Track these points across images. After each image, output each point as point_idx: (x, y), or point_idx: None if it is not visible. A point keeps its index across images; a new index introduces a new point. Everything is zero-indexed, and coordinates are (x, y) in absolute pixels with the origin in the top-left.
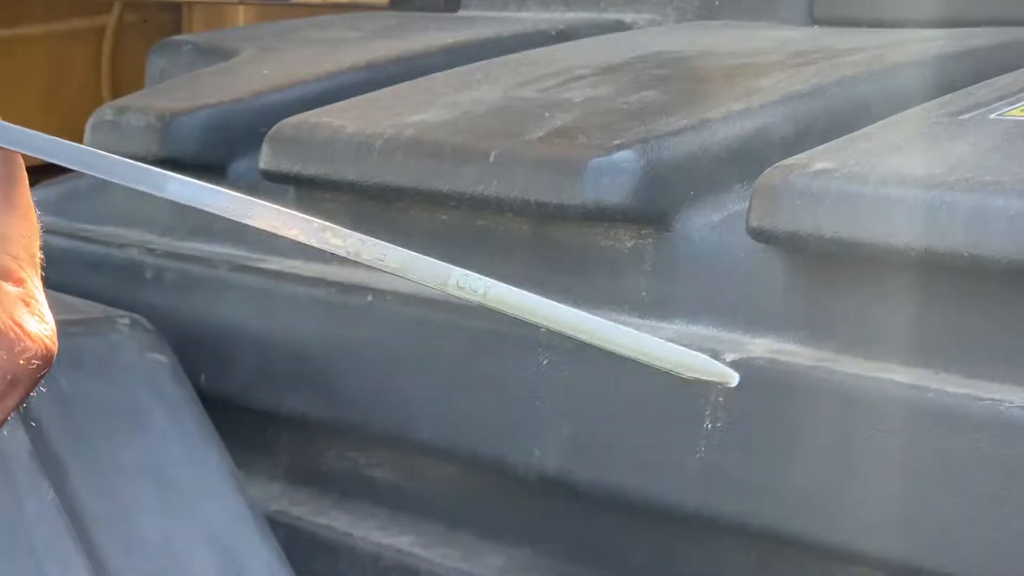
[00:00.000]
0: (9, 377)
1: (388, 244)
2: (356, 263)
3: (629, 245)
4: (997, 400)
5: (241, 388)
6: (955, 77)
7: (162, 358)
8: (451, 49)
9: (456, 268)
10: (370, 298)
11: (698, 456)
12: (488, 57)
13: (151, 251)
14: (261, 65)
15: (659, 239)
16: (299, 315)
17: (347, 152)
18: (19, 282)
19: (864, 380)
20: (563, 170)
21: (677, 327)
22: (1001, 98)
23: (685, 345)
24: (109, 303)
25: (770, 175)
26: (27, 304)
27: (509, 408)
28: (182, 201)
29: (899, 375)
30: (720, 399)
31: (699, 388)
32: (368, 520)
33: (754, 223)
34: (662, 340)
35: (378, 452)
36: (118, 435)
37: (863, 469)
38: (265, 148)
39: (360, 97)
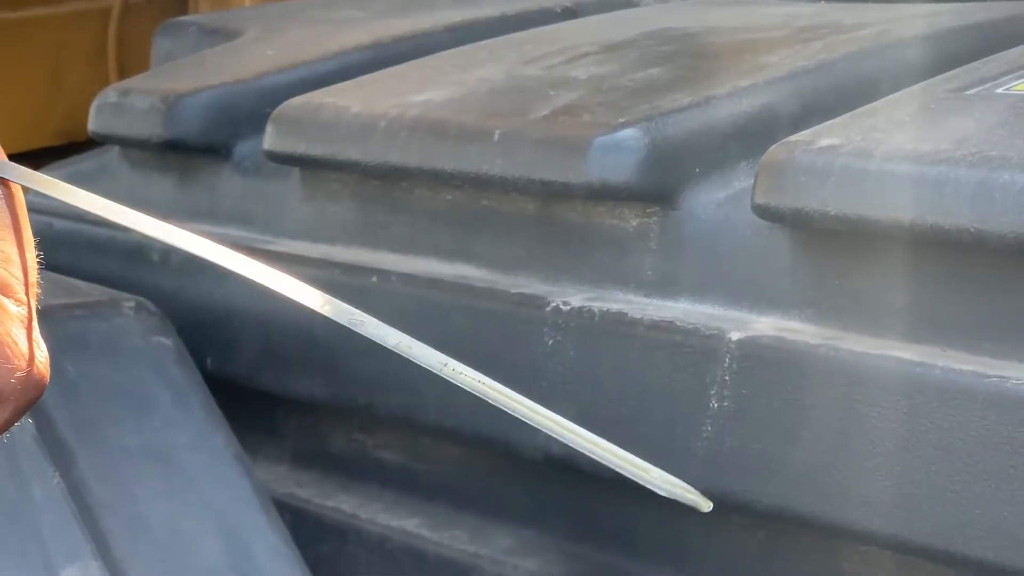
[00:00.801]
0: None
1: (390, 328)
2: (361, 243)
3: (634, 224)
4: (1004, 377)
5: (247, 371)
6: (961, 51)
7: (168, 341)
8: (456, 28)
9: (451, 360)
10: (375, 279)
11: (704, 435)
12: (493, 35)
13: None
14: (266, 45)
15: (664, 217)
16: None
17: (351, 132)
18: (20, 303)
19: (870, 358)
20: (568, 149)
21: (683, 305)
22: (1007, 72)
23: (692, 324)
24: (114, 286)
25: (775, 152)
26: (26, 327)
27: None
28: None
29: (905, 352)
30: (726, 378)
31: (705, 367)
32: (375, 502)
33: (759, 200)
34: (643, 461)
35: (384, 434)
36: (124, 419)
37: (869, 447)
38: (269, 129)
39: (365, 77)
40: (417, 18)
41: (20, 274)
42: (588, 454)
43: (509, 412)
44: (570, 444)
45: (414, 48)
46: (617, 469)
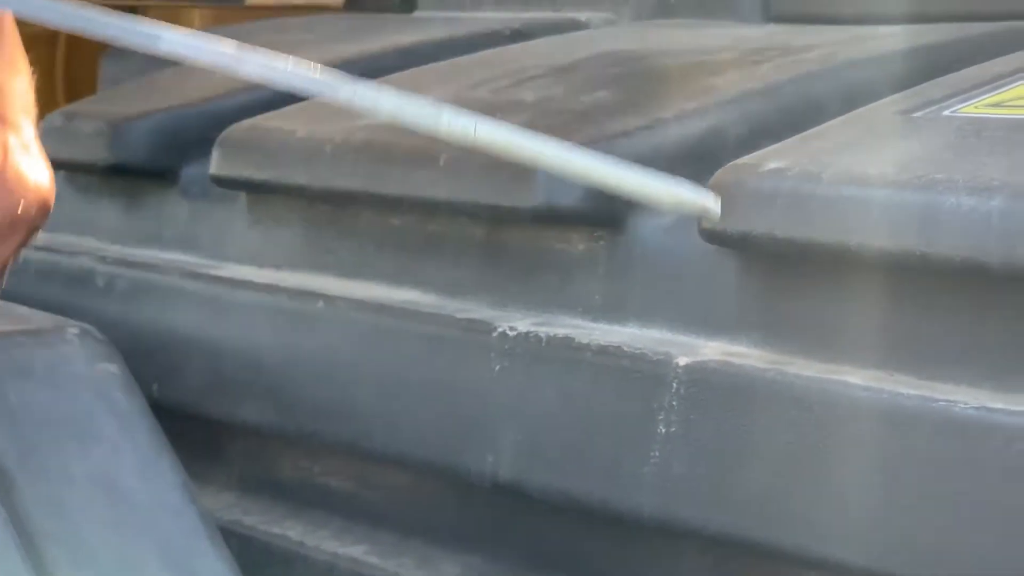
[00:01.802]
0: (9, 220)
1: (382, 87)
2: (308, 268)
3: (581, 248)
4: (951, 401)
5: (194, 397)
6: (908, 73)
7: (113, 368)
8: (406, 51)
9: (447, 108)
10: (321, 304)
11: (652, 460)
12: (443, 58)
13: (101, 259)
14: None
15: (611, 242)
16: (251, 323)
17: (297, 156)
18: (16, 129)
19: (818, 382)
20: (514, 173)
21: (631, 330)
22: (954, 95)
23: (640, 349)
24: (59, 312)
25: (722, 176)
26: (26, 151)
27: (462, 415)
28: (174, 55)
29: (853, 377)
30: (674, 403)
31: (652, 392)
32: (322, 529)
33: (706, 224)
34: (644, 170)
35: (332, 460)
36: (68, 447)
37: (818, 472)
38: (215, 153)
39: (311, 100)
40: (367, 41)
41: (13, 101)
42: (591, 180)
43: (519, 158)
44: (571, 173)
45: (362, 71)
46: (621, 191)
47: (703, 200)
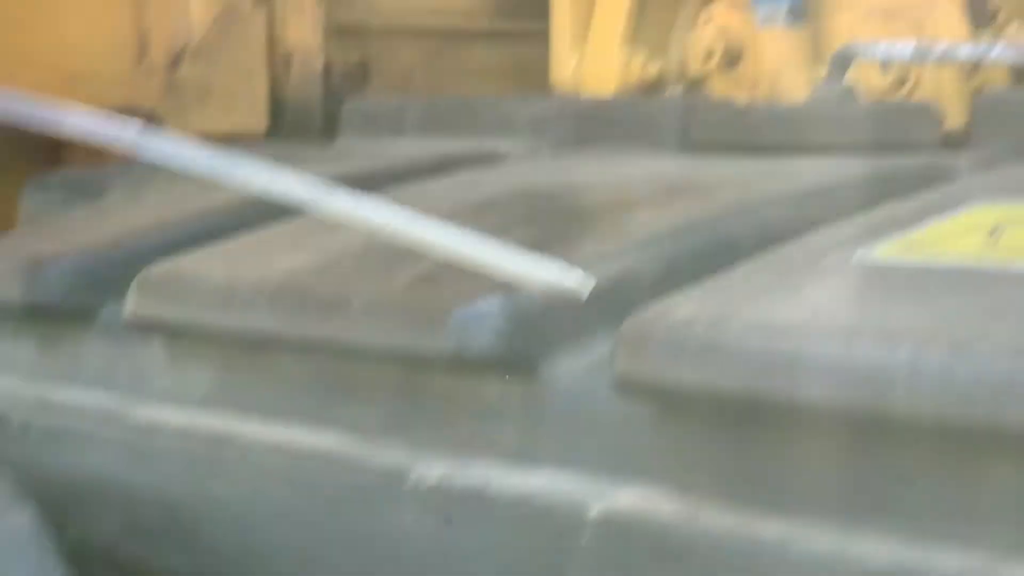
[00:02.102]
0: None
1: (268, 169)
2: (224, 409)
3: (495, 393)
4: (862, 554)
5: (110, 543)
6: (823, 211)
7: (26, 514)
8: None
9: (337, 188)
10: (236, 450)
11: None
12: (365, 190)
13: (16, 401)
14: (130, 206)
15: (525, 387)
16: (168, 467)
17: (213, 299)
18: None
19: (728, 533)
20: (427, 318)
21: (544, 476)
22: (862, 236)
23: (552, 498)
24: None
25: (633, 323)
26: None
27: (377, 563)
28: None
29: (764, 527)
30: (586, 553)
31: (565, 542)
32: None
33: (619, 371)
34: (518, 252)
35: None
36: None
37: None
38: (131, 295)
39: (228, 242)
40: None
41: None
42: (462, 262)
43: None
44: (443, 254)
45: (282, 208)
46: (492, 271)
47: (569, 280)
